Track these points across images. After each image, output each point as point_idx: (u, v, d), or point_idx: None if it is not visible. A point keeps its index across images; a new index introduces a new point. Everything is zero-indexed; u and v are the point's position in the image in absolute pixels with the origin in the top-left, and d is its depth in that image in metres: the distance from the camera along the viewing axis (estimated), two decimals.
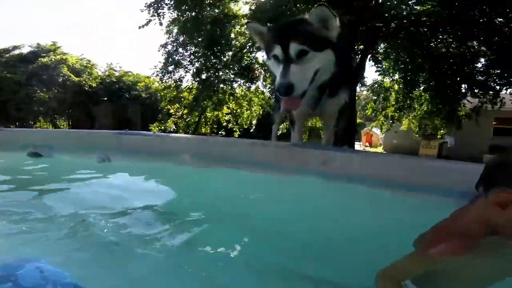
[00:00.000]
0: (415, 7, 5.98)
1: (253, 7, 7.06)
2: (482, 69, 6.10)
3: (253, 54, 8.02)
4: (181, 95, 8.98)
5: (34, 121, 14.28)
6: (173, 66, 8.25)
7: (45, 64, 13.79)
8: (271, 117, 3.79)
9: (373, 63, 7.25)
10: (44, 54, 14.33)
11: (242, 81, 8.72)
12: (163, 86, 9.21)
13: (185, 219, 1.23)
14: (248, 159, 1.68)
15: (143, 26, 6.84)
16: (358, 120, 16.20)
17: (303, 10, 5.08)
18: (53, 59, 14.12)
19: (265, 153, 1.69)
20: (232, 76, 8.74)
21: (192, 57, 8.07)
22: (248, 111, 9.54)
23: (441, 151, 10.25)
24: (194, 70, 8.28)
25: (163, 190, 1.65)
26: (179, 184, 1.66)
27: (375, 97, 9.42)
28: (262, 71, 8.26)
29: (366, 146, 15.27)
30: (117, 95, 15.68)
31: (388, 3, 5.51)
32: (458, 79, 6.49)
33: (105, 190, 1.54)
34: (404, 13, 5.86)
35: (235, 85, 9.09)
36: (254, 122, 9.56)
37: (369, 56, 7.00)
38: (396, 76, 8.11)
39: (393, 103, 9.03)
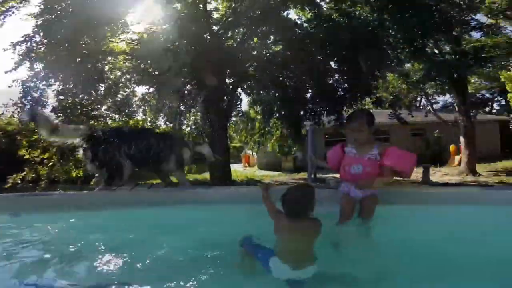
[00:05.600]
0: (272, 46, 7.96)
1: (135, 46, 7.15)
2: (310, 99, 8.77)
3: (130, 89, 7.97)
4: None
5: None
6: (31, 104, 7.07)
7: None
8: None
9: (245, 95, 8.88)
10: None
11: (118, 116, 8.41)
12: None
13: None
14: None
15: (10, 71, 6.34)
16: (238, 144, 18.37)
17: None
18: None
19: None
20: (105, 112, 8.31)
21: (57, 93, 7.19)
22: None
23: (295, 163, 13.28)
24: (60, 108, 7.37)
25: None
26: None
27: (246, 126, 11.30)
28: (140, 103, 8.25)
29: (245, 166, 17.61)
30: None
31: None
32: (297, 107, 8.98)
33: None
34: (264, 52, 7.64)
35: (109, 121, 8.61)
36: None
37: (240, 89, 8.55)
38: (258, 108, 10.15)
39: (258, 130, 11.17)
